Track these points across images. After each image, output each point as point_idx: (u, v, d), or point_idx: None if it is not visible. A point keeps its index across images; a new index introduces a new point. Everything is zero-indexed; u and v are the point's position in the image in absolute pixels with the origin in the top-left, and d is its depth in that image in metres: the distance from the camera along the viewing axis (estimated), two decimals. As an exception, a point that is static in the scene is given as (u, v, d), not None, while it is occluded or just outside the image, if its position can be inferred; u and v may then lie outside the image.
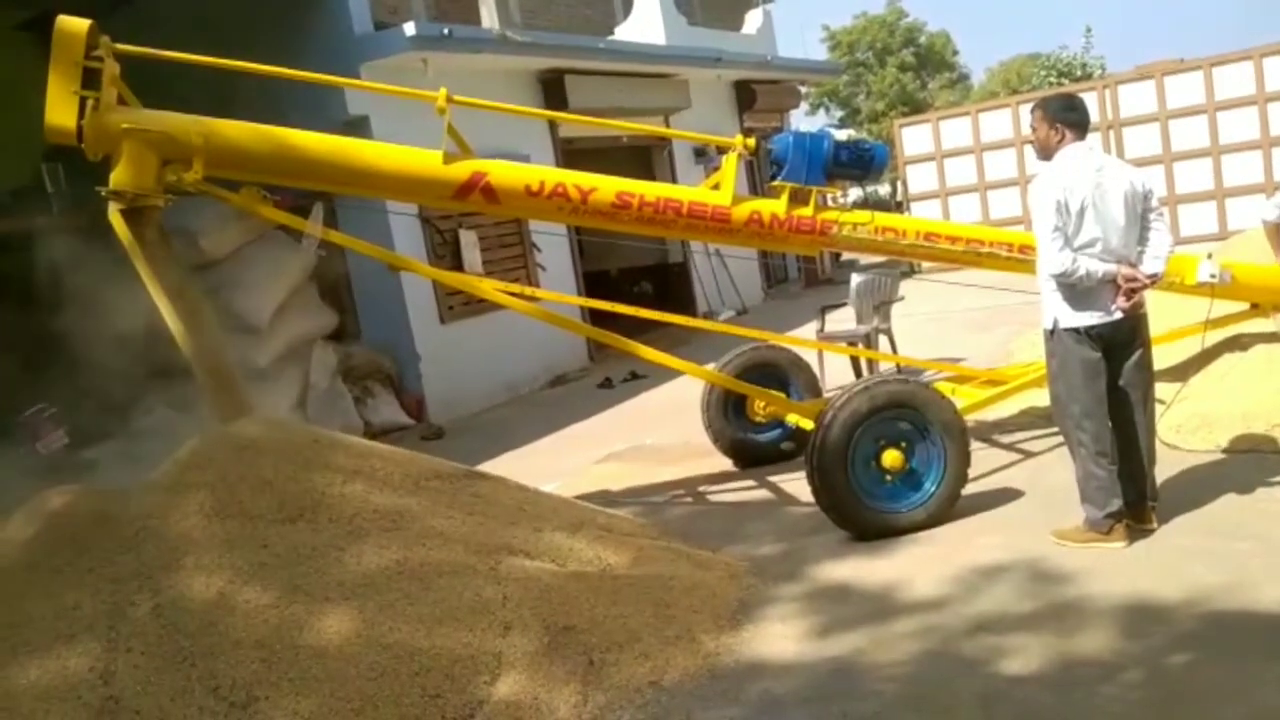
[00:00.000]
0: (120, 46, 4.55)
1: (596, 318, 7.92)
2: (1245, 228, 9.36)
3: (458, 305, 9.72)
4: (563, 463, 7.07)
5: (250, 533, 3.77)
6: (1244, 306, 6.10)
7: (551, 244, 10.56)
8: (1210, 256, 5.58)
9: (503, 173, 5.05)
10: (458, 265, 9.50)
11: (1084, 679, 3.21)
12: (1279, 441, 5.03)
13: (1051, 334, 4.20)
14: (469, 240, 9.83)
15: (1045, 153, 4.23)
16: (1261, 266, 6.15)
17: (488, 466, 6.71)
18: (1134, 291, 4.04)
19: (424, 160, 4.95)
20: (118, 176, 4.46)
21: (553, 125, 10.91)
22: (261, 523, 3.82)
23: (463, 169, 4.96)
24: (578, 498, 5.69)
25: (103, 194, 4.48)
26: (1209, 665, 3.19)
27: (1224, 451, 5.11)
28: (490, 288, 5.58)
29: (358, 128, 8.05)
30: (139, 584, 3.59)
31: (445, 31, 8.97)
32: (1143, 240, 4.15)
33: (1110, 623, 3.55)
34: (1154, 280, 4.11)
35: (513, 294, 5.65)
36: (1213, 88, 13.16)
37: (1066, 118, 4.18)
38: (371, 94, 7.91)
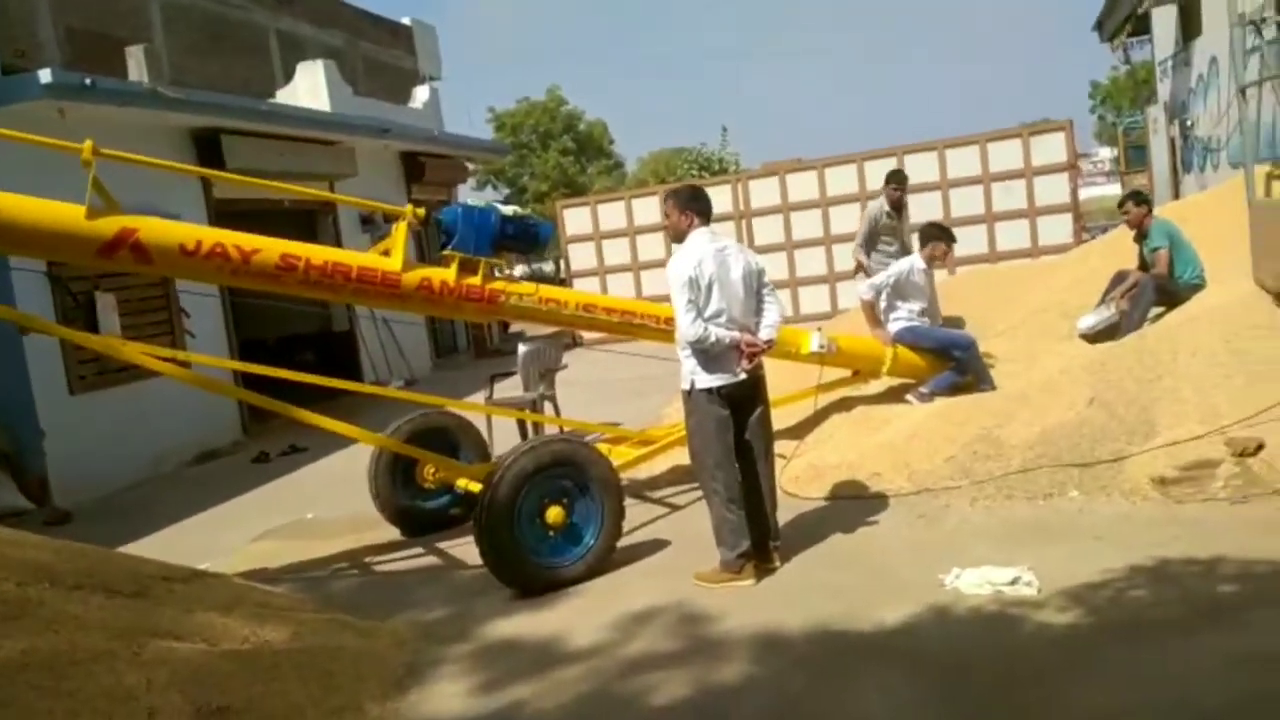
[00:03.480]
0: None
1: (254, 387, 7.59)
2: (849, 306, 10.85)
3: (90, 375, 8.86)
4: (214, 542, 6.64)
5: None
6: (848, 373, 7.11)
7: (201, 308, 9.94)
8: (819, 330, 6.50)
9: (155, 230, 4.81)
10: (92, 330, 8.68)
11: (720, 705, 3.59)
12: (874, 488, 5.88)
13: (689, 394, 4.71)
14: (106, 303, 9.03)
15: (677, 236, 4.80)
16: (860, 339, 7.23)
17: (128, 550, 6.17)
18: (754, 355, 4.64)
19: (64, 214, 4.60)
20: None
21: (206, 185, 10.38)
22: None
23: (109, 225, 4.67)
24: (232, 577, 5.40)
25: None
26: (823, 682, 3.68)
27: (834, 498, 5.89)
28: (137, 351, 5.22)
29: (-24, 178, 7.22)
30: None
31: (87, 81, 8.31)
32: (758, 312, 4.78)
33: (743, 652, 3.98)
34: (769, 345, 4.76)
35: (164, 358, 5.32)
36: (825, 186, 15.20)
37: (694, 206, 4.78)
38: (-3, 142, 7.15)
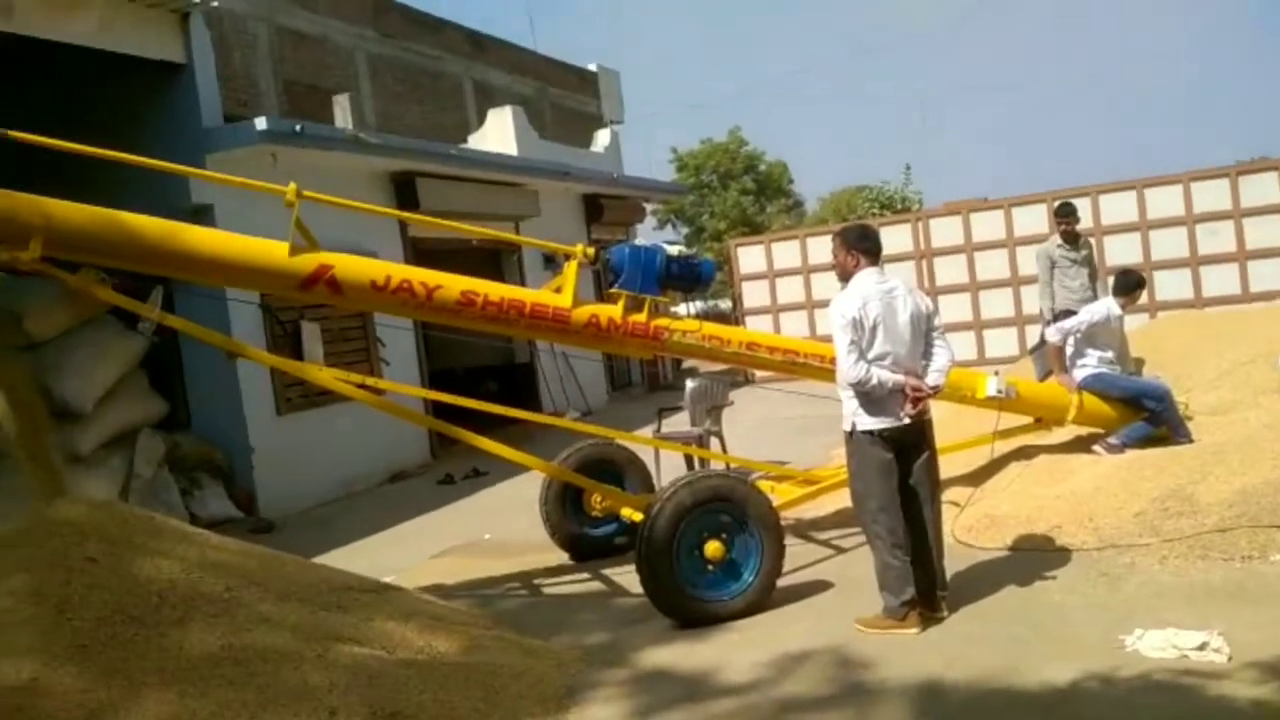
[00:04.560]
0: (-40, 124, 4.53)
1: (443, 415, 8.03)
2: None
3: (295, 397, 9.60)
4: (398, 557, 7.05)
5: (68, 615, 3.68)
6: (1029, 420, 6.81)
7: (396, 339, 10.62)
8: (997, 374, 6.27)
9: (348, 266, 5.21)
10: (298, 356, 9.42)
11: (874, 750, 3.52)
12: (1056, 541, 5.61)
13: (850, 436, 4.65)
14: (311, 332, 9.80)
15: (844, 275, 4.76)
16: (1042, 385, 6.92)
17: (321, 560, 6.63)
18: (919, 400, 4.54)
19: (270, 251, 5.06)
20: (-51, 253, 4.39)
21: (403, 225, 11.11)
22: (80, 605, 3.74)
23: (308, 261, 5.09)
24: (412, 590, 5.72)
25: (-69, 269, 4.39)
26: (983, 736, 3.55)
27: (1009, 549, 5.64)
28: (332, 377, 5.65)
29: (201, 216, 8.03)
30: (-61, 669, 3.45)
31: (297, 128, 9.11)
32: (926, 355, 4.69)
33: (901, 701, 3.88)
34: (936, 390, 4.65)
35: (358, 384, 5.73)
36: (1012, 225, 14.65)
37: (861, 245, 4.74)
38: (217, 184, 7.94)
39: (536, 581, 6.22)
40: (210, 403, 9.14)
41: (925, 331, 4.69)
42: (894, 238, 15.27)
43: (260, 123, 8.83)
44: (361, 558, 6.99)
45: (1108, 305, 6.97)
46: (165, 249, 4.93)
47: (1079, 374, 6.78)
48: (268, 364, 6.50)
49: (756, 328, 15.07)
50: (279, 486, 9.18)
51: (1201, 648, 3.95)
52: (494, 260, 13.77)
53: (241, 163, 8.44)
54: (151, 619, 3.83)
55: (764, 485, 5.75)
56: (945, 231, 15.21)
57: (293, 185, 5.07)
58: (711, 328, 6.01)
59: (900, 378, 4.53)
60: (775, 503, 5.37)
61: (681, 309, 6.38)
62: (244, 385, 9.02)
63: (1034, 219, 14.27)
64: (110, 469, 7.98)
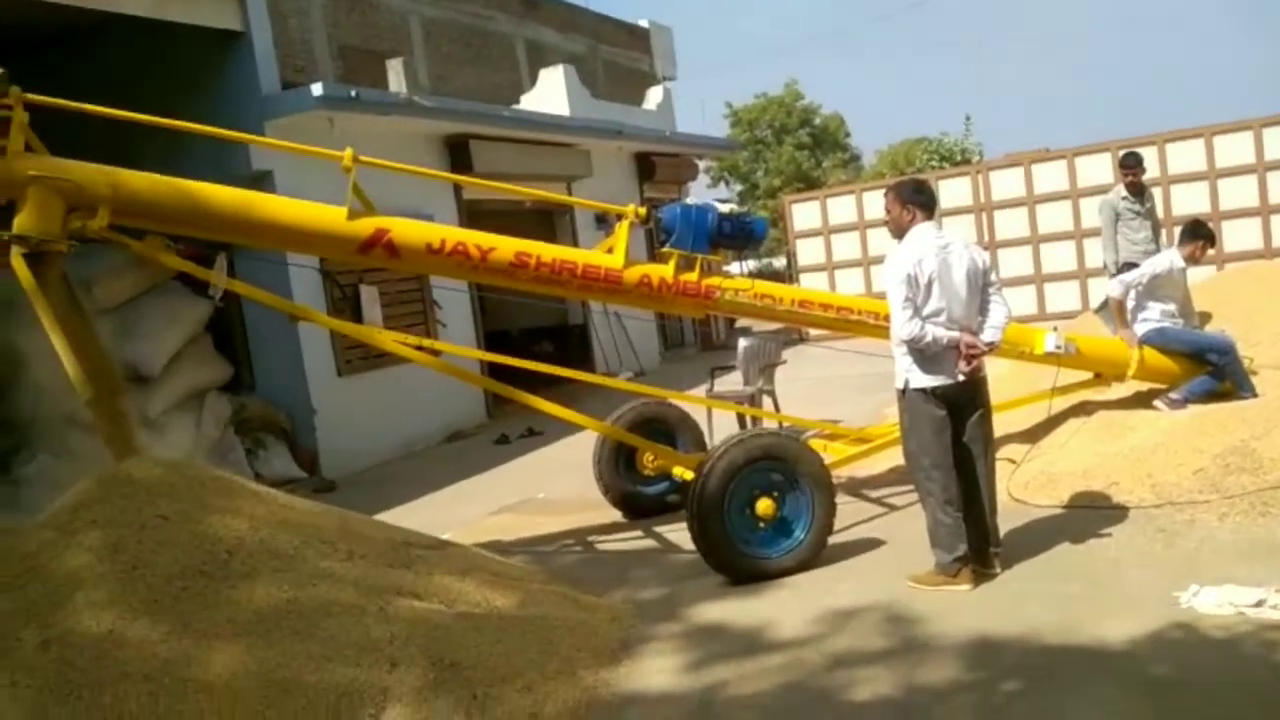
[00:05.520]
0: (30, 96, 4.67)
1: (498, 376, 8.16)
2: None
3: (355, 359, 9.80)
4: (456, 515, 7.21)
5: (142, 570, 3.85)
6: (1089, 375, 6.70)
7: (452, 301, 10.77)
8: (1056, 329, 6.16)
9: (404, 230, 5.30)
10: (357, 319, 9.62)
11: (922, 705, 3.55)
12: (1113, 498, 5.54)
13: (903, 393, 4.63)
14: (369, 295, 9.97)
15: (898, 231, 4.70)
16: (1102, 340, 6.80)
17: (381, 518, 6.81)
18: (974, 357, 4.50)
19: (328, 216, 5.16)
20: (22, 221, 4.54)
21: (457, 187, 11.20)
22: (154, 561, 3.91)
23: (366, 225, 5.19)
24: (470, 546, 5.85)
25: (5, 238, 4.56)
26: (1034, 692, 3.56)
27: (1065, 507, 5.58)
28: (392, 340, 5.76)
29: (261, 182, 8.19)
30: (24, 620, 3.64)
31: (353, 93, 9.21)
32: (983, 311, 4.63)
33: (952, 657, 3.90)
34: (991, 348, 4.59)
35: (415, 347, 5.84)
36: (1075, 176, 14.27)
37: (916, 199, 4.67)
38: (276, 150, 8.08)
39: (590, 539, 6.32)
40: (273, 365, 9.38)
41: (981, 287, 4.63)
42: (953, 191, 15.01)
43: (317, 89, 8.93)
44: (420, 516, 7.17)
45: (1170, 257, 6.79)
46: (229, 215, 5.06)
47: (1140, 328, 6.64)
48: (329, 327, 6.65)
49: (811, 286, 14.96)
50: (340, 446, 9.41)
51: (1259, 605, 3.91)
52: (547, 221, 13.83)
53: (299, 128, 8.57)
54: (220, 573, 3.99)
55: (816, 443, 5.76)
56: (1006, 183, 14.87)
57: (349, 150, 5.16)
58: (764, 286, 6.00)
59: (955, 334, 4.49)
60: (827, 461, 5.38)
61: (734, 268, 6.36)
62: (305, 348, 9.24)
63: (1098, 169, 13.88)
64: (179, 430, 8.25)
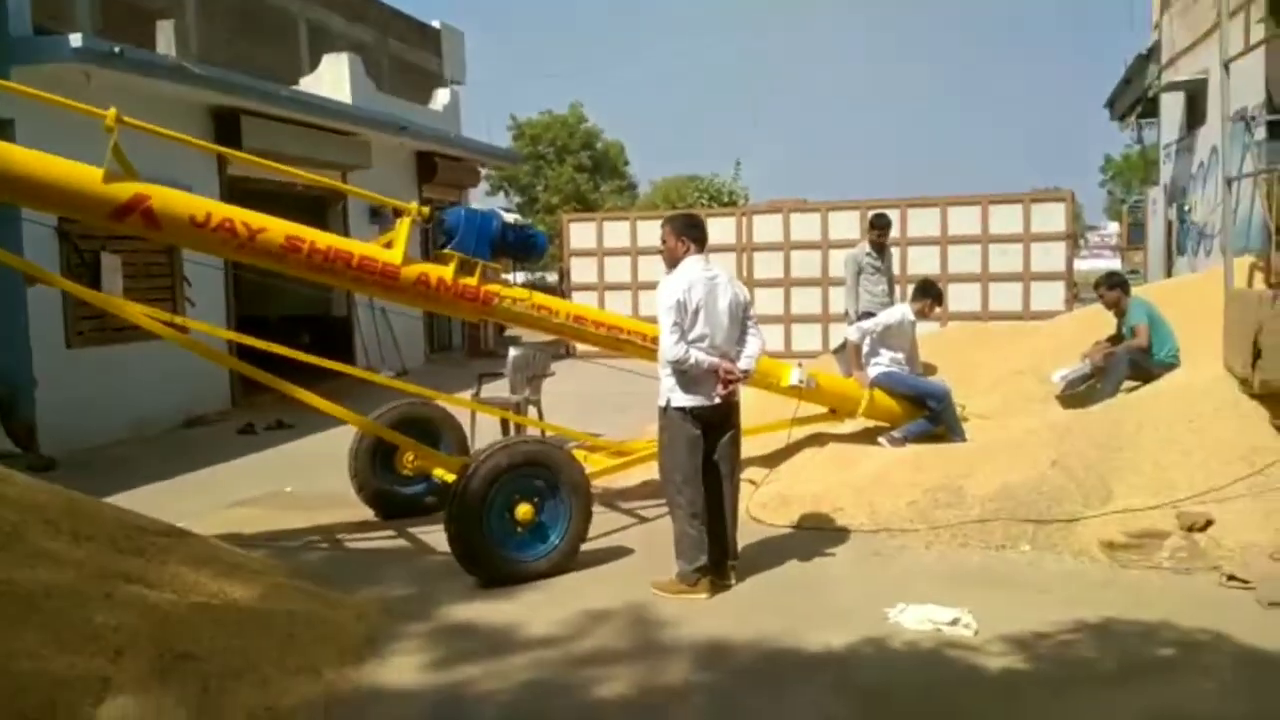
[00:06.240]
0: None
1: (248, 362, 7.78)
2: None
3: (89, 331, 9.05)
4: (191, 505, 6.78)
5: None
6: (825, 410, 7.30)
7: (204, 278, 10.13)
8: (800, 365, 6.70)
9: (167, 199, 5.01)
10: (95, 288, 8.85)
11: (658, 703, 3.77)
12: (838, 522, 6.07)
13: (664, 411, 4.91)
14: (111, 264, 9.24)
15: (672, 261, 5.00)
16: (839, 379, 7.43)
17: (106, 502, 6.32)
18: (730, 382, 4.84)
19: (82, 175, 4.80)
20: None
21: (221, 162, 10.59)
22: None
23: (124, 190, 4.86)
24: (208, 537, 5.55)
25: None
26: (759, 692, 3.86)
27: (796, 527, 6.07)
28: (139, 312, 5.40)
29: (0, 131, 7.42)
30: None
31: (116, 49, 8.53)
32: (741, 341, 4.99)
33: (688, 659, 4.16)
34: (746, 376, 4.96)
35: (165, 322, 5.50)
36: (828, 228, 15.47)
37: (690, 233, 5.00)
38: (20, 99, 7.33)
39: (339, 536, 6.17)
40: (-8, 329, 8.45)
41: (741, 319, 4.99)
42: (719, 229, 15.82)
43: (75, 39, 8.23)
44: (150, 503, 6.65)
45: (903, 310, 7.55)
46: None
47: (872, 371, 7.33)
48: (78, 295, 6.06)
49: (583, 303, 15.25)
50: (63, 423, 8.62)
51: (954, 623, 4.43)
52: (317, 208, 13.32)
53: (51, 79, 7.81)
54: (-78, 549, 3.61)
55: (578, 454, 5.93)
56: (766, 228, 15.91)
57: (113, 110, 4.83)
58: (541, 298, 6.13)
59: (716, 360, 4.82)
60: (588, 471, 5.56)
61: (508, 279, 6.45)
62: (32, 314, 8.40)
63: (848, 224, 15.17)
64: None
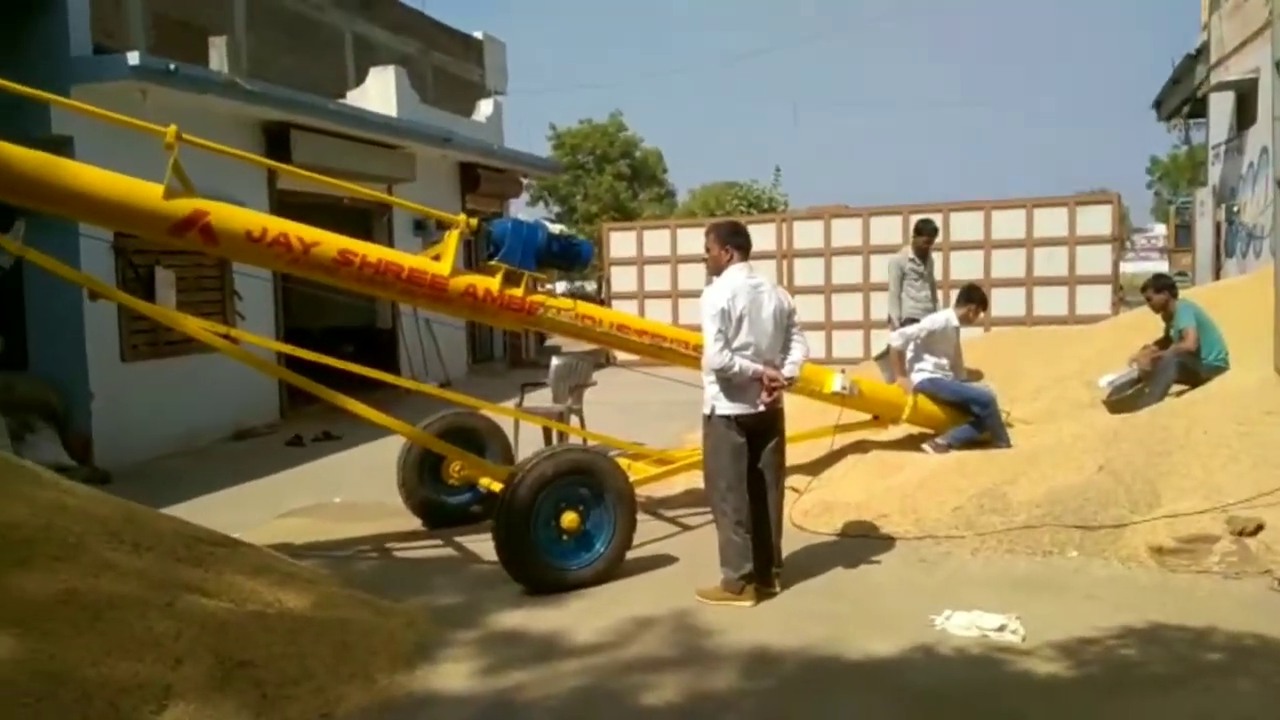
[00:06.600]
0: None
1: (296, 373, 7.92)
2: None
3: (142, 345, 9.27)
4: (242, 516, 6.91)
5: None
6: (869, 416, 7.28)
7: (254, 292, 10.34)
8: (843, 372, 6.70)
9: (225, 215, 5.14)
10: (149, 302, 9.08)
11: (705, 710, 3.80)
12: (882, 529, 6.06)
13: (709, 419, 4.94)
14: (165, 278, 9.45)
15: (716, 269, 5.04)
16: (882, 385, 7.41)
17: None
18: (775, 390, 4.86)
19: (143, 191, 4.93)
20: None
21: (271, 176, 10.81)
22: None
23: (183, 206, 5.00)
24: (263, 547, 5.67)
25: None
26: (805, 700, 3.88)
27: (840, 535, 6.06)
28: (195, 325, 5.54)
29: (60, 148, 7.62)
30: None
31: (171, 67, 8.75)
32: (785, 349, 5.01)
33: (733, 666, 4.18)
34: (791, 383, 4.98)
35: (219, 335, 5.64)
36: (869, 233, 15.40)
37: (734, 241, 5.03)
38: (79, 117, 7.56)
39: (388, 546, 6.27)
40: (52, 343, 8.72)
41: (786, 327, 5.02)
42: (759, 236, 15.78)
43: (132, 58, 8.45)
44: (203, 514, 6.81)
45: (947, 316, 7.51)
46: (35, 179, 4.74)
47: (915, 377, 7.30)
48: (139, 310, 6.21)
49: (621, 311, 15.32)
50: (118, 436, 8.85)
51: (1000, 629, 4.41)
52: (363, 221, 13.51)
53: (108, 97, 8.04)
54: (-8, 558, 3.74)
55: (621, 462, 5.98)
56: (807, 234, 15.86)
57: (173, 127, 4.97)
58: (585, 307, 6.19)
59: (760, 367, 4.84)
60: (631, 479, 5.61)
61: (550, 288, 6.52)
62: (89, 328, 8.64)
63: (889, 229, 15.07)
64: (-65, 406, 7.54)
